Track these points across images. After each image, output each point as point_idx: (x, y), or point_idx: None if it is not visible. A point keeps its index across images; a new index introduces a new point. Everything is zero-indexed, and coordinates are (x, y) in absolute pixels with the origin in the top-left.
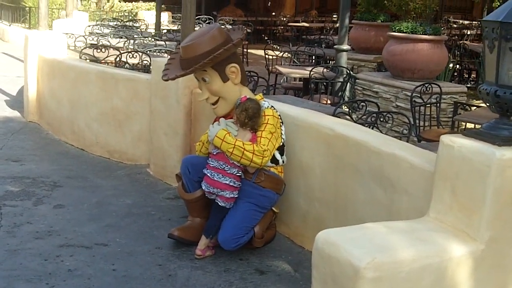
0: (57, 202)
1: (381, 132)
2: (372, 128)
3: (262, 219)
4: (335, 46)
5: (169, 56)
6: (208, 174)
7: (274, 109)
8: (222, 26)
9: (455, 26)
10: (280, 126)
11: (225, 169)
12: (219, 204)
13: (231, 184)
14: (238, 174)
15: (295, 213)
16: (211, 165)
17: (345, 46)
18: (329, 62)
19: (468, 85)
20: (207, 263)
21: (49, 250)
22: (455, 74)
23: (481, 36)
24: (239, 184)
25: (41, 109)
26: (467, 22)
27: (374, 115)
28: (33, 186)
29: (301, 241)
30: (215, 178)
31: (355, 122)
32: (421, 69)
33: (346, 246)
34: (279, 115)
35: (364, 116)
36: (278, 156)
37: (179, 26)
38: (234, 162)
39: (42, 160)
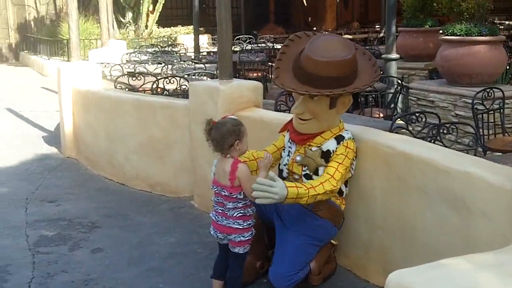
0: (95, 246)
1: (445, 146)
2: (434, 142)
3: (319, 253)
4: (383, 56)
5: (279, 53)
6: (214, 218)
7: (354, 140)
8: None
9: (501, 27)
10: (354, 159)
11: (225, 211)
12: (232, 250)
13: (235, 226)
14: (239, 215)
15: (356, 243)
16: (215, 208)
17: (394, 55)
18: None
19: None
20: None
21: None
22: None
23: None
24: (248, 224)
25: (78, 143)
26: None
27: (436, 127)
28: (69, 229)
29: (365, 274)
30: (219, 222)
31: (415, 137)
32: (479, 73)
33: None
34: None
35: (425, 130)
36: (343, 187)
37: None
38: (230, 205)
39: (79, 198)
